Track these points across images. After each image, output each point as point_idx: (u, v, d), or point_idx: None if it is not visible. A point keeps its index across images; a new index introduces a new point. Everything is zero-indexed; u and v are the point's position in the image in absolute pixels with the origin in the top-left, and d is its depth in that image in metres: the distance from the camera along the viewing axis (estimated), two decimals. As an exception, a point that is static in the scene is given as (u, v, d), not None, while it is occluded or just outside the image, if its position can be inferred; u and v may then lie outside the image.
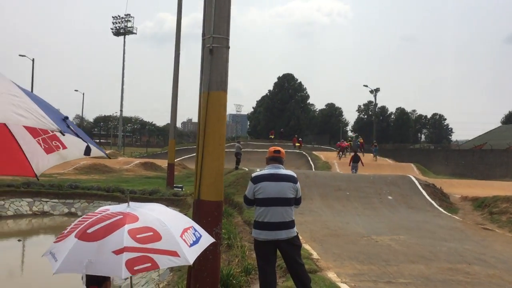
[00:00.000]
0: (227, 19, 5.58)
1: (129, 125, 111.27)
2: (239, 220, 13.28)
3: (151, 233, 2.86)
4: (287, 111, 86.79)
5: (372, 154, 40.21)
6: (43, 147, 2.43)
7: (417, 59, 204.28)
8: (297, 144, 48.85)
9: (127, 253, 2.71)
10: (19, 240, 15.40)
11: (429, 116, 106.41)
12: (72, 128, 2.05)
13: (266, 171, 5.48)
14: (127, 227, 2.84)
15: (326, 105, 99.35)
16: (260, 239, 5.39)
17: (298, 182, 5.52)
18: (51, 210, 19.50)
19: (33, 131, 2.37)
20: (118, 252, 2.71)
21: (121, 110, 64.44)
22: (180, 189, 21.23)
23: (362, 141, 42.91)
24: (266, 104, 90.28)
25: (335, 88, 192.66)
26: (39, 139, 2.40)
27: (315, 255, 8.67)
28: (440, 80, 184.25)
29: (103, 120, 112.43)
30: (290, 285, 6.44)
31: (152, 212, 3.16)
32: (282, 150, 5.69)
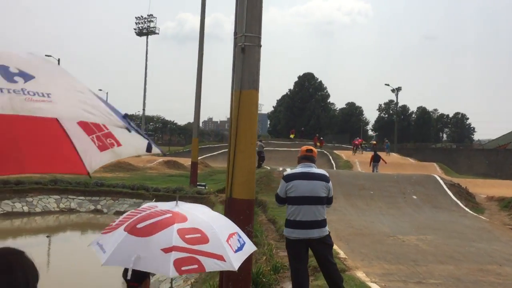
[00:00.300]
0: (259, 18, 5.60)
1: (151, 124, 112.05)
2: (263, 218, 13.31)
3: (199, 235, 2.84)
4: (307, 110, 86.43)
5: (385, 152, 41.13)
6: (97, 145, 2.44)
7: (439, 57, 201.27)
8: (318, 144, 48.66)
9: (175, 252, 2.69)
10: (47, 236, 15.69)
11: (451, 115, 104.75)
12: (133, 126, 2.09)
13: (299, 169, 5.50)
14: (176, 226, 2.82)
15: (347, 104, 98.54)
16: (292, 237, 5.41)
17: (331, 181, 5.53)
18: (78, 207, 19.79)
19: (87, 129, 2.40)
20: (167, 250, 2.69)
21: (143, 109, 64.84)
22: (203, 187, 21.33)
23: (375, 142, 45.72)
24: (286, 103, 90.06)
25: (355, 87, 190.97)
26: (93, 137, 2.42)
27: (342, 254, 8.65)
28: (462, 78, 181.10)
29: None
30: (321, 283, 6.44)
31: (200, 213, 3.15)
32: (315, 149, 5.71)
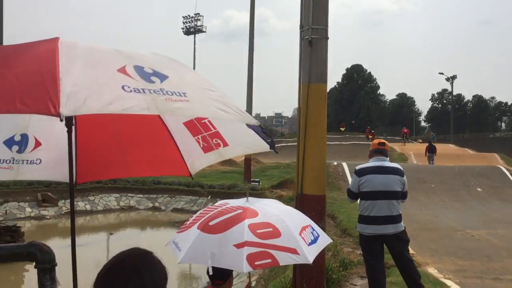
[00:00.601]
0: (326, 9, 5.45)
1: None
2: (322, 213, 13.15)
3: (271, 229, 2.84)
4: (356, 102, 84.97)
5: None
6: (201, 146, 2.41)
7: (496, 43, 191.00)
8: (369, 136, 47.74)
9: (247, 247, 2.70)
10: (110, 234, 16.18)
11: (509, 102, 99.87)
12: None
13: (372, 163, 5.35)
14: (247, 221, 2.84)
15: (397, 95, 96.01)
16: (366, 233, 5.28)
17: (405, 175, 5.34)
18: (137, 205, 20.33)
19: (194, 129, 2.35)
20: (239, 246, 2.71)
21: (192, 107, 66.05)
22: (257, 183, 21.38)
23: (421, 141, 47.59)
24: (335, 96, 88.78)
25: (406, 77, 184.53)
26: (198, 138, 2.38)
27: (410, 250, 8.37)
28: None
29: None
30: (394, 280, 6.27)
31: (271, 208, 3.14)
32: (387, 143, 5.55)
